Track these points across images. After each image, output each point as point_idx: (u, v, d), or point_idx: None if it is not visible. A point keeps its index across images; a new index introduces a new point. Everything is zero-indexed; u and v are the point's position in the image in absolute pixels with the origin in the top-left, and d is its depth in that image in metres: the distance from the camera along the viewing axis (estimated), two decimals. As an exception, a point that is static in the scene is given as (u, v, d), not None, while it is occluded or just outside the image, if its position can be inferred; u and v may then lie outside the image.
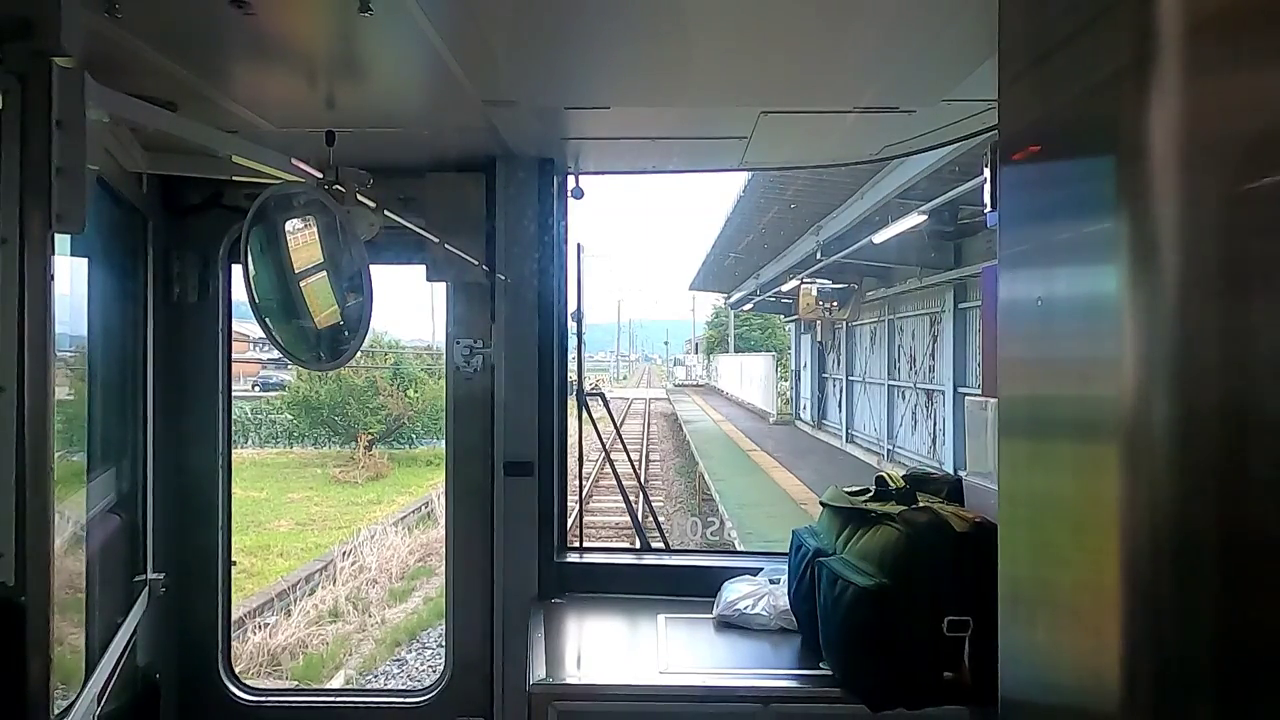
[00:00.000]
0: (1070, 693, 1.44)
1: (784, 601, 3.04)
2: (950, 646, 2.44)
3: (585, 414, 3.86)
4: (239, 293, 2.84)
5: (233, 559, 3.61)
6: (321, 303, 2.64)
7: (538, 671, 2.74)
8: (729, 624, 3.09)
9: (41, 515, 1.73)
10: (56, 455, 1.79)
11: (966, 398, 15.77)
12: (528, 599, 3.42)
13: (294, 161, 2.54)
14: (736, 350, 57.34)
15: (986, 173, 2.59)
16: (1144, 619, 1.21)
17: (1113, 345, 1.26)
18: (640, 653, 2.96)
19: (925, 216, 14.18)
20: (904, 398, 21.30)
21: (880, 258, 19.28)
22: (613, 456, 4.78)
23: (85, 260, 2.66)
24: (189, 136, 2.48)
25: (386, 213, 2.79)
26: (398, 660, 10.48)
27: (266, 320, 2.58)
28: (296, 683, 9.63)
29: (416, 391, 26.15)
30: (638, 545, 3.97)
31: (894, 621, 2.45)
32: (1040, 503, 1.54)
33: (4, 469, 1.68)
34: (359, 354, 6.07)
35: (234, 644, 3.99)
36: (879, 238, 15.93)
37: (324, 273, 2.62)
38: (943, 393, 18.27)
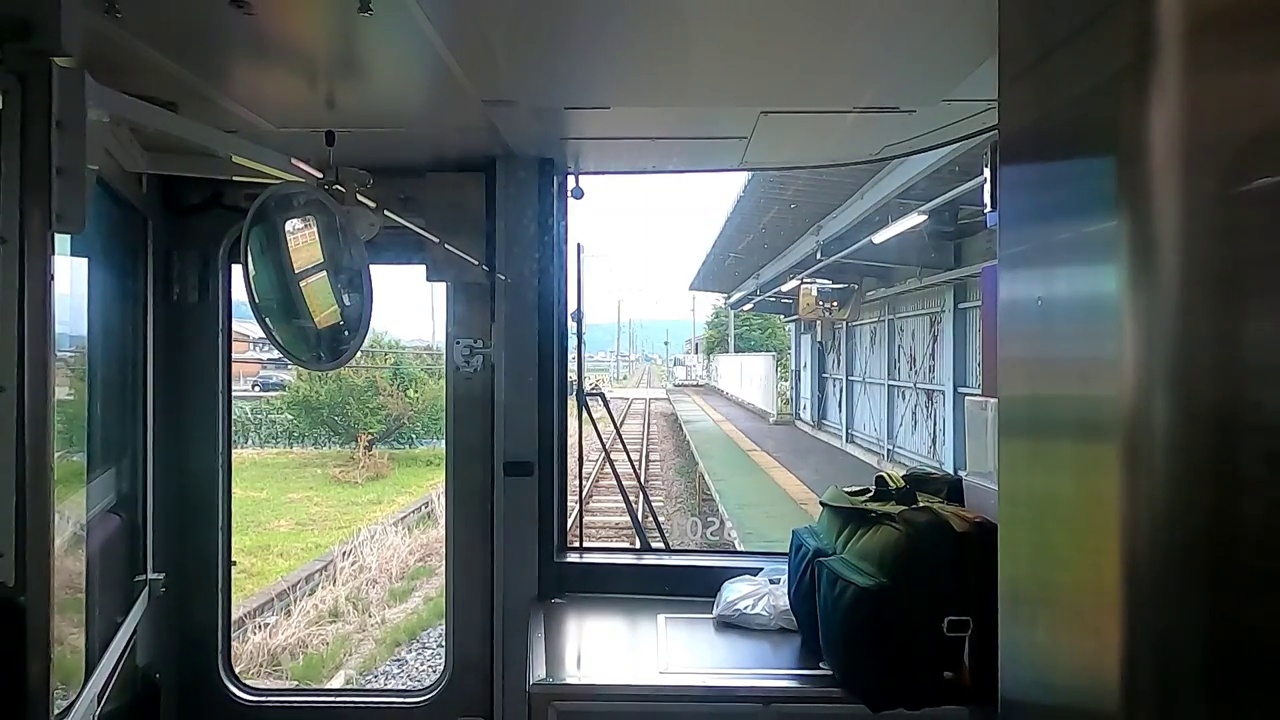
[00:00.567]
0: (1070, 693, 1.44)
1: (784, 601, 3.04)
2: (950, 646, 2.44)
3: (585, 414, 3.86)
4: (239, 293, 2.85)
5: (233, 559, 3.61)
6: (321, 303, 2.64)
7: (538, 671, 2.74)
8: (729, 624, 3.09)
9: (41, 515, 1.73)
10: (56, 455, 1.79)
11: (966, 398, 15.77)
12: (528, 599, 3.42)
13: (294, 161, 2.54)
14: (736, 350, 57.35)
15: (986, 173, 2.60)
16: (1144, 619, 1.21)
17: (1113, 345, 1.26)
18: (640, 653, 2.96)
19: (925, 216, 14.18)
20: (904, 398, 21.30)
21: (880, 258, 19.29)
22: (613, 456, 4.78)
23: (85, 260, 2.66)
24: (189, 136, 2.48)
25: (386, 213, 2.79)
26: (398, 660, 10.48)
27: (266, 320, 2.58)
28: (296, 683, 9.63)
29: (416, 391, 26.16)
30: (638, 545, 3.97)
31: (894, 621, 2.45)
32: (1040, 503, 1.54)
33: (4, 469, 1.68)
34: (359, 354, 6.07)
35: (234, 644, 3.99)
36: (879, 238, 15.93)
37: (324, 273, 2.62)
38: (943, 393, 18.27)
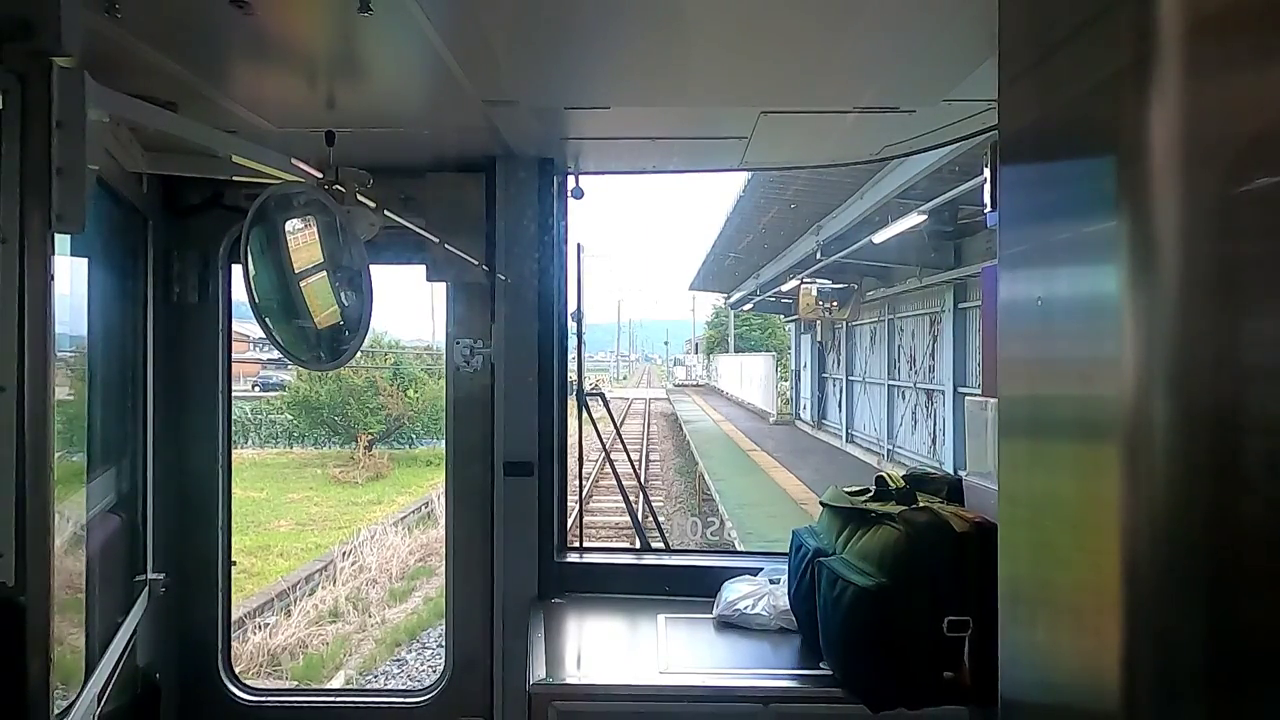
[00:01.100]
0: (1070, 693, 1.44)
1: (784, 601, 3.04)
2: (950, 646, 2.44)
3: (585, 414, 3.86)
4: (239, 293, 2.85)
5: (233, 559, 3.61)
6: (321, 303, 2.64)
7: (538, 671, 2.74)
8: (729, 624, 3.09)
9: (41, 515, 1.73)
10: (56, 455, 1.79)
11: (966, 398, 15.76)
12: (528, 599, 3.42)
13: (294, 161, 2.54)
14: (736, 350, 57.34)
15: (986, 173, 2.60)
16: (1144, 619, 1.21)
17: (1113, 345, 1.26)
18: (640, 653, 2.96)
19: (925, 216, 14.18)
20: (904, 398, 21.30)
21: (880, 258, 19.28)
22: (613, 456, 4.78)
23: (85, 260, 2.66)
24: (189, 136, 2.48)
25: (386, 213, 2.79)
26: (398, 660, 10.48)
27: (266, 320, 2.58)
28: (296, 683, 9.63)
29: (416, 391, 26.16)
30: (638, 545, 3.97)
31: (894, 621, 2.45)
32: (1040, 503, 1.53)
33: (4, 469, 1.68)
34: (359, 354, 6.07)
35: (234, 644, 3.99)
36: (879, 238, 15.93)
37: (324, 273, 2.62)
38: (943, 393, 18.27)
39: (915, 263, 18.33)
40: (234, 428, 3.77)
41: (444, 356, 3.69)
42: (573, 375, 3.81)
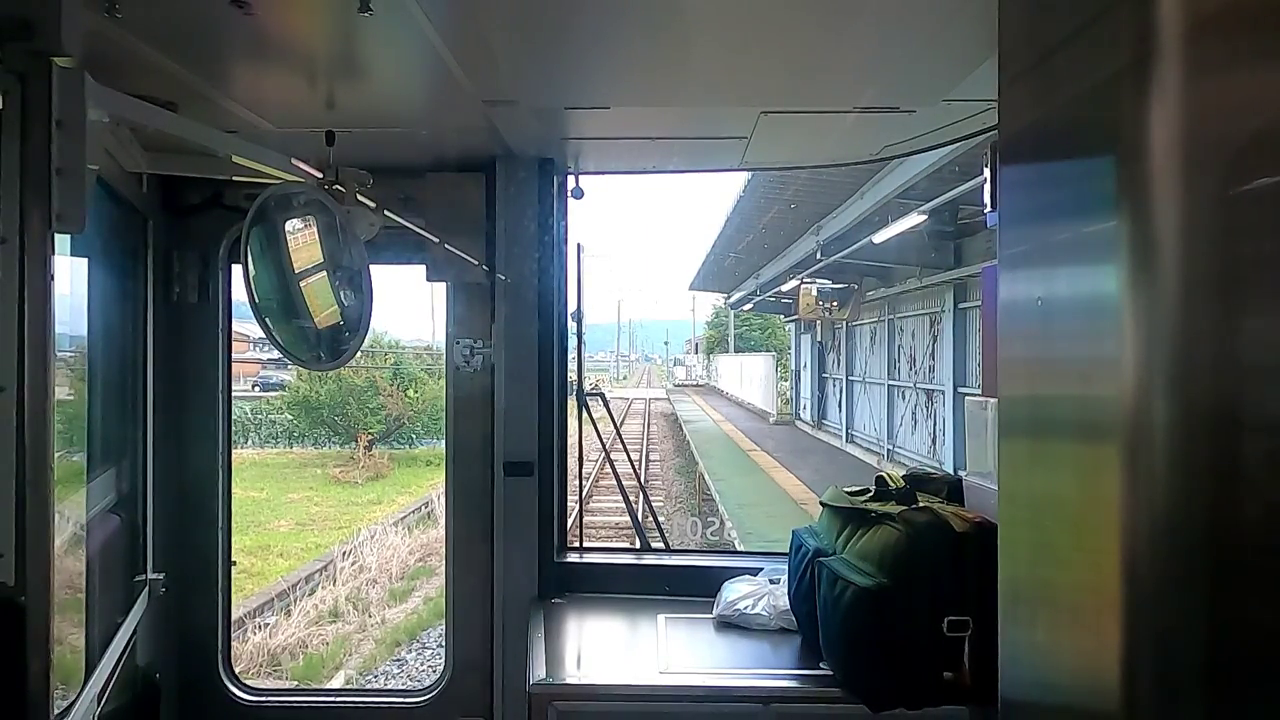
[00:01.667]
0: (1070, 693, 1.44)
1: (784, 601, 3.04)
2: (950, 646, 2.44)
3: (585, 414, 3.86)
4: (239, 293, 2.85)
5: (233, 559, 3.61)
6: (321, 303, 2.64)
7: (538, 671, 2.74)
8: (729, 624, 3.09)
9: (41, 515, 1.73)
10: (56, 455, 1.79)
11: (966, 398, 15.76)
12: (528, 599, 3.42)
13: (294, 161, 2.54)
14: (736, 350, 57.35)
15: (986, 173, 2.59)
16: (1144, 619, 1.21)
17: (1113, 345, 1.26)
18: (640, 653, 2.96)
19: (925, 216, 14.18)
20: (904, 398, 21.30)
21: (880, 258, 19.28)
22: (613, 456, 4.78)
23: (85, 260, 2.66)
24: (189, 136, 2.48)
25: (386, 213, 2.79)
26: (398, 660, 10.48)
27: (266, 320, 2.57)
28: (296, 683, 9.63)
29: (416, 391, 26.15)
30: (638, 545, 3.97)
31: (894, 621, 2.45)
32: (1040, 503, 1.53)
33: (4, 469, 1.68)
34: (359, 354, 6.07)
35: (234, 644, 3.99)
36: (879, 238, 15.93)
37: (324, 273, 2.62)
38: (943, 393, 18.27)
39: (915, 263, 18.33)
40: (234, 428, 3.77)
41: (444, 356, 3.69)
42: (573, 375, 3.81)
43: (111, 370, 3.05)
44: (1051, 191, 1.50)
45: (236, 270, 3.48)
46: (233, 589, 3.68)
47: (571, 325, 3.75)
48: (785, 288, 26.77)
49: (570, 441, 3.79)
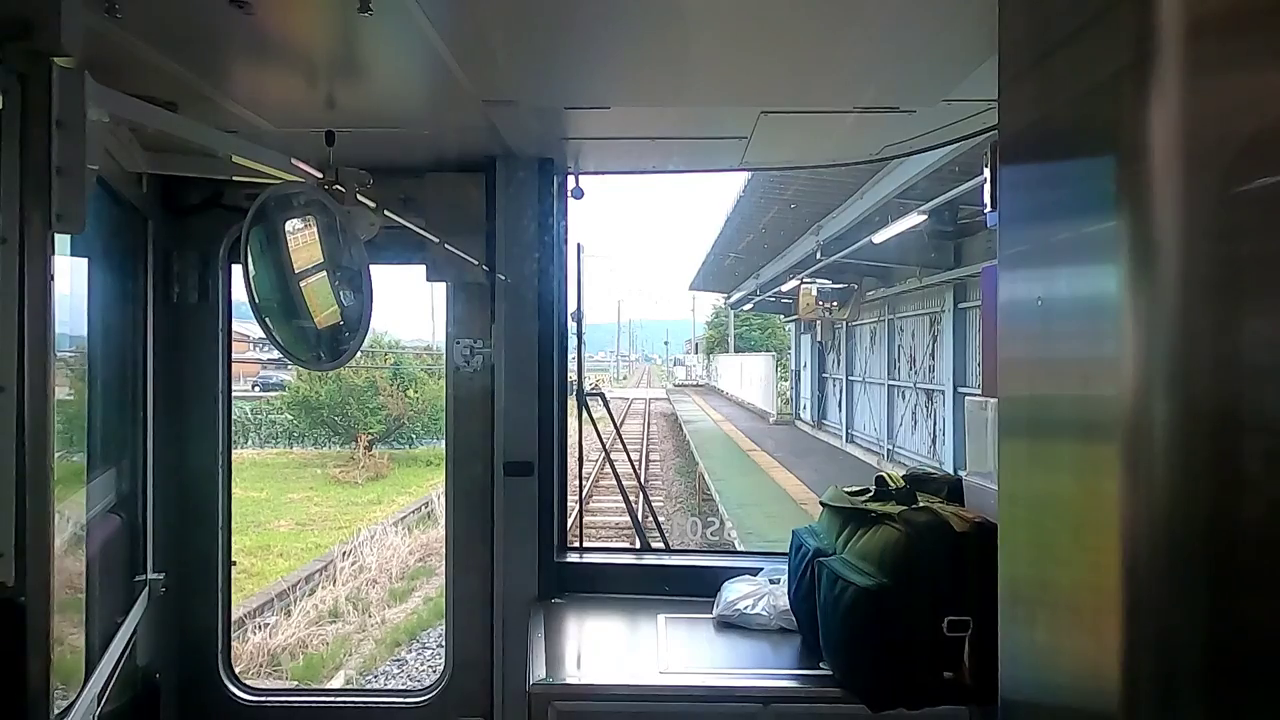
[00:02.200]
0: (1070, 693, 1.44)
1: (784, 601, 3.04)
2: (950, 646, 2.44)
3: (585, 414, 3.86)
4: (239, 293, 2.85)
5: (233, 559, 3.61)
6: (321, 303, 2.64)
7: (538, 671, 2.74)
8: (729, 624, 3.09)
9: (41, 515, 1.73)
10: (56, 455, 1.79)
11: (966, 398, 15.76)
12: (528, 599, 3.42)
13: (294, 161, 2.54)
14: (736, 350, 57.33)
15: (986, 173, 2.59)
16: (1144, 619, 1.21)
17: (1113, 345, 1.26)
18: (640, 653, 2.96)
19: (925, 216, 14.17)
20: (904, 398, 21.30)
21: (880, 258, 19.28)
22: (613, 456, 4.78)
23: (85, 260, 2.66)
24: (189, 136, 2.48)
25: (386, 213, 2.79)
26: (398, 660, 10.48)
27: (266, 320, 2.57)
28: (296, 683, 9.63)
29: (416, 391, 26.15)
30: (638, 545, 3.97)
31: (894, 621, 2.45)
32: (1040, 503, 1.54)
33: (4, 469, 1.68)
34: (359, 354, 6.07)
35: (234, 644, 3.99)
36: (879, 238, 15.92)
37: (324, 273, 2.62)
38: (943, 393, 18.27)
39: (915, 263, 18.33)
40: (234, 428, 3.77)
41: (444, 356, 3.69)
42: (573, 375, 3.81)
43: (111, 370, 3.05)
44: (1051, 191, 1.50)
45: (236, 270, 3.48)
46: (233, 589, 3.68)
47: (571, 325, 3.75)
48: (785, 288, 26.77)
49: (570, 441, 3.79)
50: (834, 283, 23.70)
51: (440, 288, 3.54)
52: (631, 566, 3.67)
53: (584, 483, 7.06)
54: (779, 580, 3.15)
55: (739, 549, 12.34)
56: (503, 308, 3.46)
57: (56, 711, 1.93)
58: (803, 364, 33.77)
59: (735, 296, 39.13)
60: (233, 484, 3.62)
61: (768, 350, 45.60)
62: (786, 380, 37.86)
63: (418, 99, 2.85)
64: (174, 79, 2.42)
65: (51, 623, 1.76)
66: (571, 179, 3.62)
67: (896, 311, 22.04)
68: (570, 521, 3.84)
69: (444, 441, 3.70)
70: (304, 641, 10.82)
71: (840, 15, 2.14)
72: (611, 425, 4.23)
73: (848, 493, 2.90)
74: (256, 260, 2.54)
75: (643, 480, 14.65)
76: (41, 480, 1.73)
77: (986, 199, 2.59)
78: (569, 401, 3.77)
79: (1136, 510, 1.23)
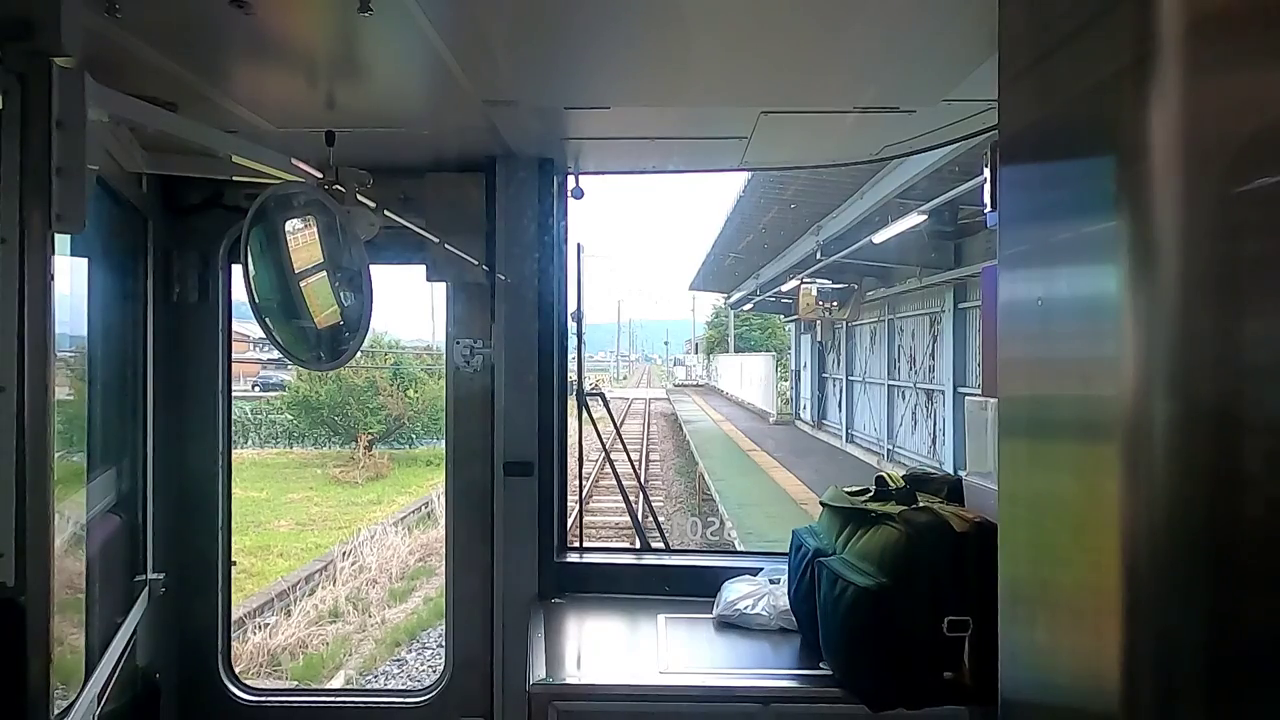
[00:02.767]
0: (1070, 693, 1.44)
1: (784, 601, 3.04)
2: (950, 646, 2.44)
3: (585, 414, 3.86)
4: (239, 293, 2.85)
5: (233, 559, 3.61)
6: (321, 303, 2.64)
7: (538, 671, 2.74)
8: (729, 624, 3.09)
9: (41, 515, 1.73)
10: (56, 455, 1.79)
11: (966, 398, 15.76)
12: (528, 599, 3.42)
13: (294, 161, 2.54)
14: (736, 350, 57.33)
15: (986, 173, 2.59)
16: (1144, 619, 1.21)
17: (1113, 345, 1.26)
18: (640, 653, 2.96)
19: (925, 216, 14.18)
20: (904, 398, 21.30)
21: (880, 258, 19.28)
22: (613, 456, 4.77)
23: (85, 260, 2.66)
24: (189, 136, 2.48)
25: (386, 213, 2.79)
26: (398, 660, 10.48)
27: (266, 320, 2.57)
28: (296, 683, 9.63)
29: (416, 391, 26.15)
30: (638, 545, 3.97)
31: (894, 621, 2.45)
32: (1040, 503, 1.54)
33: (4, 469, 1.68)
34: (359, 354, 6.07)
35: (234, 644, 3.99)
36: (879, 238, 15.93)
37: (324, 273, 2.62)
38: (943, 393, 18.27)
39: (915, 263, 18.33)
40: (234, 428, 3.77)
41: (444, 356, 3.69)
42: (573, 375, 3.81)
43: (111, 370, 3.05)
44: (1051, 191, 1.50)
45: (236, 270, 3.48)
46: (233, 589, 3.68)
47: (571, 325, 3.75)
48: (785, 288, 26.77)
49: (570, 441, 3.79)
50: (834, 283, 23.70)
51: (440, 288, 3.54)
52: (631, 566, 3.67)
53: (584, 483, 7.06)
54: (779, 580, 3.15)
55: (739, 549, 12.34)
56: (503, 308, 3.46)
57: (56, 711, 1.93)
58: (803, 364, 33.77)
59: (735, 296, 39.14)
60: (233, 484, 3.62)
61: (768, 350, 45.60)
62: (786, 380, 37.86)
63: (418, 99, 2.85)
64: (174, 79, 2.42)
65: (51, 623, 1.76)
66: (571, 179, 3.62)
67: (896, 311, 22.04)
68: (570, 521, 3.84)
69: (444, 441, 3.70)
70: (304, 641, 10.82)
71: (840, 15, 2.14)
72: (611, 425, 4.23)
73: (848, 493, 2.90)
74: (256, 260, 2.55)
75: (643, 480, 14.64)
76: (41, 480, 1.73)
77: (986, 199, 2.59)
78: (569, 401, 3.77)
79: (1136, 510, 1.23)
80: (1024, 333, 1.60)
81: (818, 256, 20.19)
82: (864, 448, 24.16)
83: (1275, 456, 1.11)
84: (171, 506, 3.34)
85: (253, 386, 36.81)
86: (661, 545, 4.03)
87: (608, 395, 4.51)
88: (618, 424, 4.57)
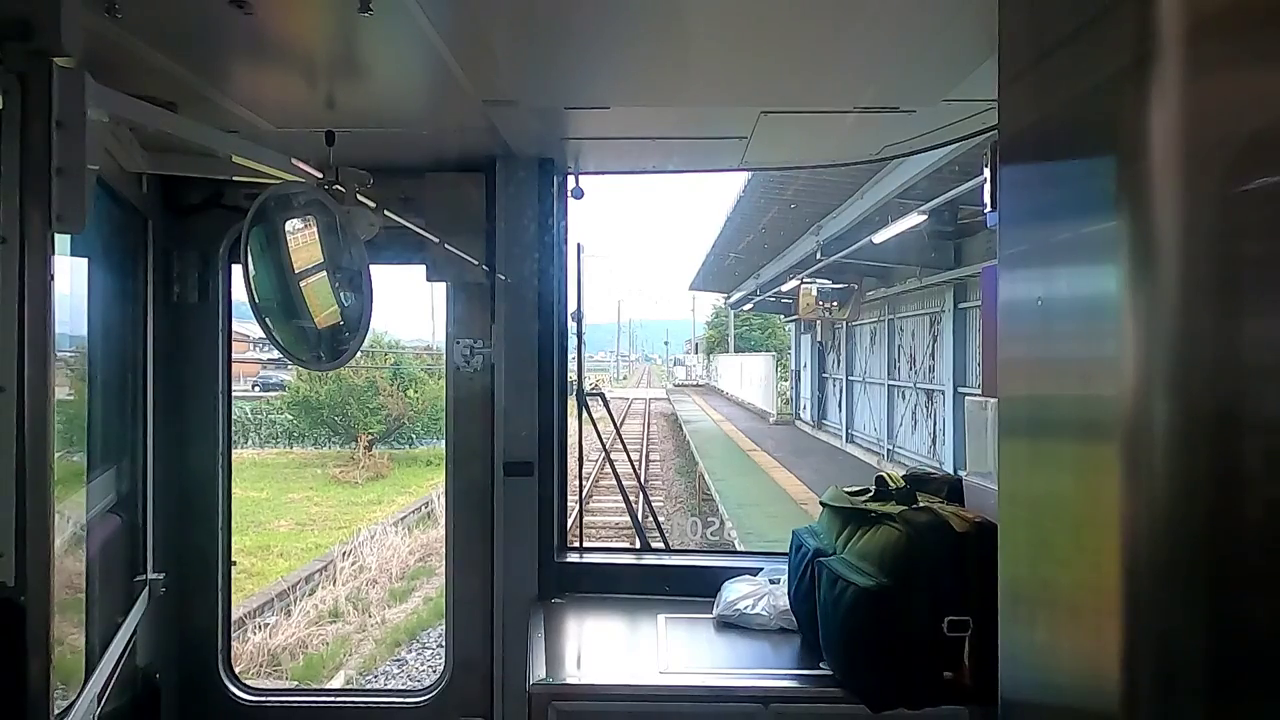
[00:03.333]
0: (1070, 693, 1.44)
1: (784, 601, 3.04)
2: (950, 646, 2.44)
3: (585, 414, 3.86)
4: (239, 293, 2.85)
5: (233, 559, 3.61)
6: (321, 303, 2.64)
7: (538, 671, 2.74)
8: (729, 624, 3.09)
9: (41, 515, 1.73)
10: (56, 455, 1.79)
11: (966, 398, 15.76)
12: (528, 599, 3.42)
13: (294, 161, 2.54)
14: (736, 350, 57.32)
15: (986, 173, 2.59)
16: (1144, 619, 1.21)
17: (1113, 345, 1.26)
18: (640, 653, 2.96)
19: (925, 216, 14.17)
20: (904, 398, 21.30)
21: (880, 258, 19.28)
22: (613, 456, 4.77)
23: (85, 260, 2.66)
24: (189, 136, 2.48)
25: (386, 213, 2.79)
26: (398, 660, 10.48)
27: (266, 320, 2.57)
28: (296, 683, 9.63)
29: (416, 391, 26.15)
30: (638, 545, 3.97)
31: (894, 621, 2.45)
32: (1040, 503, 1.54)
33: (4, 469, 1.68)
34: (359, 354, 6.07)
35: (234, 644, 3.99)
36: (879, 238, 15.93)
37: (324, 273, 2.62)
38: (943, 393, 18.27)
39: (915, 263, 18.33)
40: (234, 428, 3.77)
41: (444, 356, 3.69)
42: (573, 375, 3.81)
43: (111, 370, 3.05)
44: (1051, 191, 1.50)
45: (236, 270, 3.48)
46: (233, 589, 3.68)
47: (571, 325, 3.75)
48: (785, 288, 26.76)
49: (570, 441, 3.79)
50: (834, 283, 23.69)
51: (440, 288, 3.54)
52: (631, 566, 3.67)
53: (584, 483, 7.06)
54: (779, 580, 3.15)
55: (739, 549, 12.34)
56: (503, 308, 3.46)
57: (56, 711, 1.93)
58: (803, 364, 33.77)
59: (735, 296, 39.13)
60: (233, 484, 3.62)
61: (768, 350, 45.60)
62: (786, 380, 37.86)
63: (418, 99, 2.85)
64: (174, 79, 2.42)
65: (51, 623, 1.76)
66: (571, 179, 3.62)
67: (896, 311, 22.04)
68: (570, 521, 3.84)
69: (444, 441, 3.70)
70: (304, 641, 10.82)
71: (840, 15, 2.14)
72: (611, 425, 4.23)
73: (848, 493, 2.90)
74: (257, 260, 2.54)
75: (643, 480, 14.64)
76: (41, 480, 1.73)
77: (986, 199, 2.59)
78: (569, 401, 3.77)
79: (1136, 510, 1.23)
80: (1024, 333, 1.60)
81: (818, 256, 20.19)
82: (864, 448, 24.16)
83: (1275, 457, 1.11)
84: (171, 506, 3.34)
85: (253, 386, 36.80)
86: (661, 545, 4.03)
87: (608, 395, 4.51)
88: (618, 424, 4.57)
